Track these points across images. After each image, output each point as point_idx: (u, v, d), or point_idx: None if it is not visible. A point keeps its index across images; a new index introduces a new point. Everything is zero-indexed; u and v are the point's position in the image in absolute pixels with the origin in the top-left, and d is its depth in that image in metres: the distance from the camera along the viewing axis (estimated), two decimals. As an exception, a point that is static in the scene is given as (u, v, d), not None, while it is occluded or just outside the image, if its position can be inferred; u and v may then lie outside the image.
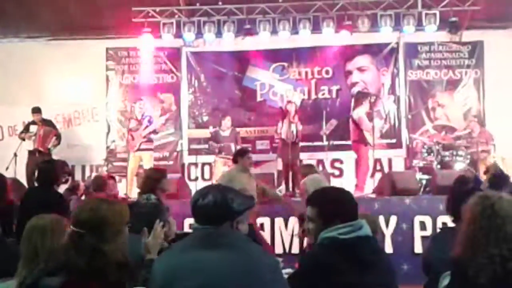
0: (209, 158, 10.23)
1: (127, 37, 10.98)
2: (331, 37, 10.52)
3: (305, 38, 10.55)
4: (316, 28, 10.28)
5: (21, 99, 10.84)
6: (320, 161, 10.68)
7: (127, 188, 9.26)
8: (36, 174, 5.98)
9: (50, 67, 11.20)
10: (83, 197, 7.77)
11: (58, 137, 9.84)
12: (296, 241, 7.50)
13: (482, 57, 10.77)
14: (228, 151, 9.40)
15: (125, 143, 10.35)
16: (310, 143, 10.48)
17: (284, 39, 10.60)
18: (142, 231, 2.99)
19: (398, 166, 10.69)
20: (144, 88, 11.20)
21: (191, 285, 2.17)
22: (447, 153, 9.47)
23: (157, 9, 10.47)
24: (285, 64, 11.17)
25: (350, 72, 11.12)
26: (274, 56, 11.18)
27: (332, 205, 2.66)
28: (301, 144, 9.77)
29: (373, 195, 8.98)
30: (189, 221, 6.88)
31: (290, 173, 9.22)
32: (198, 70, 11.31)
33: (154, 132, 9.74)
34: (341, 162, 10.85)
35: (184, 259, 2.24)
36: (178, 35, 10.55)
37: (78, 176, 10.66)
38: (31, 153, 9.49)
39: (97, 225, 2.32)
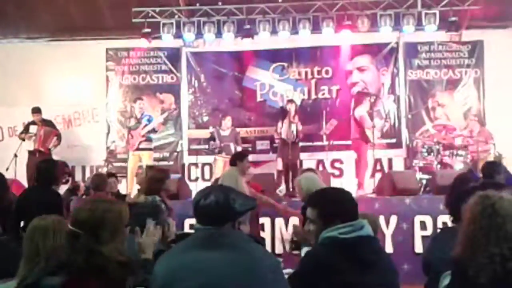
0: (209, 159, 10.24)
1: (127, 37, 10.99)
2: (331, 37, 10.51)
3: (305, 38, 10.54)
4: (316, 28, 10.27)
5: (21, 100, 10.84)
6: (320, 161, 10.70)
7: (128, 188, 9.27)
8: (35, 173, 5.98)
9: (50, 68, 11.20)
10: (83, 198, 7.79)
11: (59, 137, 9.86)
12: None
13: (482, 57, 10.77)
14: (228, 150, 9.41)
15: (125, 143, 10.37)
16: (310, 143, 10.49)
17: (284, 39, 10.60)
18: (135, 231, 2.99)
19: (398, 166, 10.70)
20: (144, 88, 11.21)
21: (192, 285, 2.17)
22: (447, 152, 9.48)
23: (157, 9, 10.47)
24: (285, 64, 11.17)
25: (350, 72, 11.12)
26: (274, 56, 11.18)
27: (332, 205, 2.67)
28: (301, 144, 9.78)
29: (373, 195, 8.98)
30: (189, 221, 6.88)
31: (290, 173, 9.22)
32: (198, 71, 11.31)
33: (153, 131, 9.72)
34: (341, 162, 10.85)
35: (185, 259, 2.24)
36: (178, 35, 10.55)
37: (78, 176, 10.67)
38: (31, 153, 9.50)
39: (94, 226, 2.32)
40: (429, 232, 7.37)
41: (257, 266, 2.22)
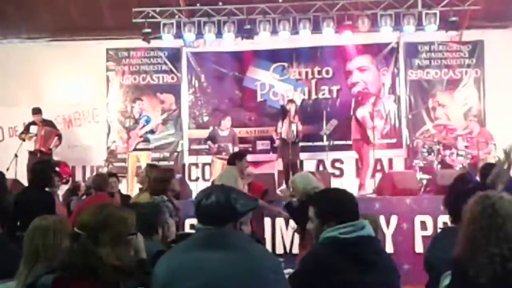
0: (210, 159, 10.23)
1: (128, 37, 10.99)
2: (331, 37, 10.51)
3: (305, 38, 10.54)
4: (316, 28, 10.27)
5: (21, 100, 10.85)
6: (321, 161, 10.71)
7: (128, 189, 9.26)
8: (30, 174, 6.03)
9: (51, 68, 11.19)
10: (83, 198, 7.79)
11: (60, 137, 9.86)
12: (296, 241, 7.50)
13: (483, 57, 10.76)
14: (226, 151, 9.43)
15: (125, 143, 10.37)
16: (310, 143, 10.47)
17: (284, 39, 10.60)
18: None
19: (399, 166, 10.69)
20: (145, 88, 11.22)
21: (193, 286, 2.17)
22: (447, 152, 9.48)
23: (157, 9, 10.47)
24: (285, 64, 11.17)
25: (350, 72, 11.11)
26: (274, 56, 11.18)
27: (331, 204, 2.67)
28: (301, 144, 9.77)
29: (374, 195, 8.98)
30: (189, 221, 6.88)
31: (291, 173, 9.21)
32: (199, 71, 11.31)
33: (151, 132, 9.72)
34: (342, 162, 10.85)
35: (186, 259, 2.25)
36: (179, 35, 10.54)
37: (78, 177, 10.67)
38: (31, 153, 9.50)
39: (95, 228, 2.34)
40: (429, 232, 7.38)
41: (258, 267, 2.22)
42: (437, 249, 3.30)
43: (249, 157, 10.22)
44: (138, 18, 10.41)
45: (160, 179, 5.13)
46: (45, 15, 10.73)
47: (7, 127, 11.24)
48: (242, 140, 10.60)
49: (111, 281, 2.26)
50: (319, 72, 11.13)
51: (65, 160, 9.85)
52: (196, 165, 11.00)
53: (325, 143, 10.17)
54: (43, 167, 5.91)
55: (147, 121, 9.58)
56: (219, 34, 10.43)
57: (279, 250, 7.67)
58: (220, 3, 10.38)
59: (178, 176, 9.00)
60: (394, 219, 7.62)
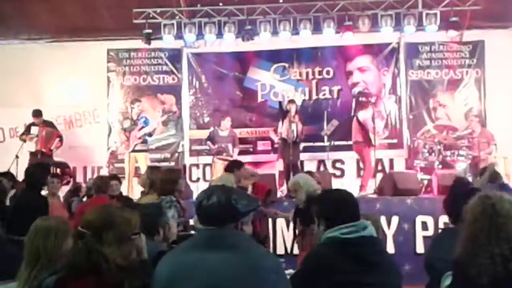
0: (211, 159, 10.23)
1: (128, 38, 10.99)
2: (332, 37, 10.52)
3: (306, 38, 10.54)
4: (316, 28, 10.27)
5: (22, 101, 10.85)
6: (321, 162, 10.71)
7: (128, 190, 9.26)
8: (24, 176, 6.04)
9: (51, 69, 11.20)
10: (85, 199, 7.79)
11: (61, 138, 9.87)
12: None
13: (483, 57, 10.76)
14: (227, 152, 9.41)
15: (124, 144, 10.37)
16: (311, 144, 10.47)
17: (284, 40, 10.60)
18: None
19: (400, 166, 10.68)
20: (145, 89, 11.22)
21: (194, 286, 2.17)
22: (448, 153, 9.47)
23: (158, 10, 10.47)
24: (286, 64, 11.17)
25: (351, 73, 11.11)
26: (275, 56, 11.18)
27: (332, 205, 2.68)
28: (302, 144, 9.78)
29: (375, 195, 8.98)
30: (190, 222, 6.87)
31: (292, 174, 9.21)
32: (199, 71, 11.31)
33: (149, 134, 9.72)
34: (342, 162, 10.84)
35: (187, 260, 2.25)
36: (179, 36, 10.55)
37: (79, 177, 10.67)
38: (32, 154, 9.50)
39: (99, 227, 2.34)
40: (430, 232, 7.39)
41: (259, 267, 2.22)
42: (438, 250, 3.30)
43: (250, 158, 10.35)
44: (139, 19, 10.42)
45: (169, 180, 5.13)
46: (46, 16, 10.73)
47: (8, 128, 11.24)
48: (243, 140, 10.60)
49: (116, 280, 2.26)
50: (320, 73, 11.13)
51: (65, 160, 9.86)
52: (197, 165, 11.00)
53: (326, 143, 10.18)
54: (36, 170, 5.93)
55: (146, 123, 9.59)
56: (219, 34, 10.44)
57: (280, 250, 7.67)
58: (221, 4, 10.39)
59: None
60: (395, 220, 7.62)
